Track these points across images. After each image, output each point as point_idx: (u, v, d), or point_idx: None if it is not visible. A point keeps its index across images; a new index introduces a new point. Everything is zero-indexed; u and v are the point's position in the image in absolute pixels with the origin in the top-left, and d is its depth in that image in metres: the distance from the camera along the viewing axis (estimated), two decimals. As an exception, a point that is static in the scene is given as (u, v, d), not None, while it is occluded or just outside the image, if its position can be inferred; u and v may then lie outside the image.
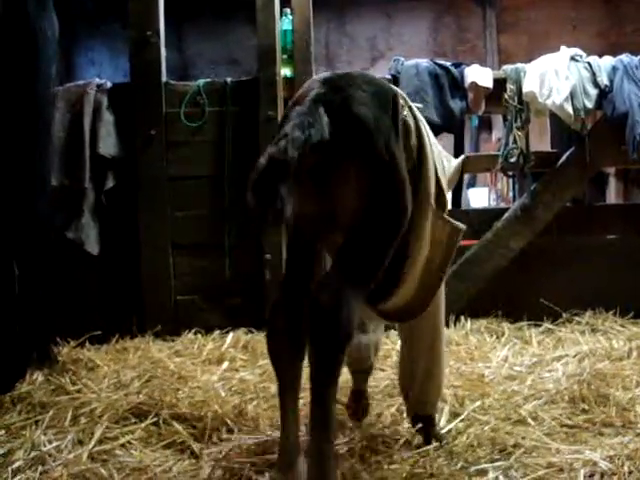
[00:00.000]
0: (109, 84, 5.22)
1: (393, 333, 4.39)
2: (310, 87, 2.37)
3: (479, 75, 5.22)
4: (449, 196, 2.90)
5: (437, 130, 5.05)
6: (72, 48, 10.30)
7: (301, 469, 2.35)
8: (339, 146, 2.21)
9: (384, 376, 3.87)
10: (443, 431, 3.00)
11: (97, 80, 5.27)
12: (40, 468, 2.71)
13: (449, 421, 3.13)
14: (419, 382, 2.88)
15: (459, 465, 2.66)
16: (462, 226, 2.70)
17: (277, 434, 2.65)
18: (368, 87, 2.39)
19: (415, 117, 2.63)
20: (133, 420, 3.19)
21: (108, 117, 5.13)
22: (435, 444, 2.84)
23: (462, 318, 5.10)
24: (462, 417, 3.15)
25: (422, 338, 2.85)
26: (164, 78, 5.21)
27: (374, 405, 3.37)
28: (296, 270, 2.42)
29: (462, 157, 3.56)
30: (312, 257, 2.44)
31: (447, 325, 4.72)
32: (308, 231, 2.39)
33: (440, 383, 2.95)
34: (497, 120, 8.50)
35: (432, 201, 2.59)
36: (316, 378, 2.14)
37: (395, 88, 2.66)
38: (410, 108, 2.63)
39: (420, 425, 2.91)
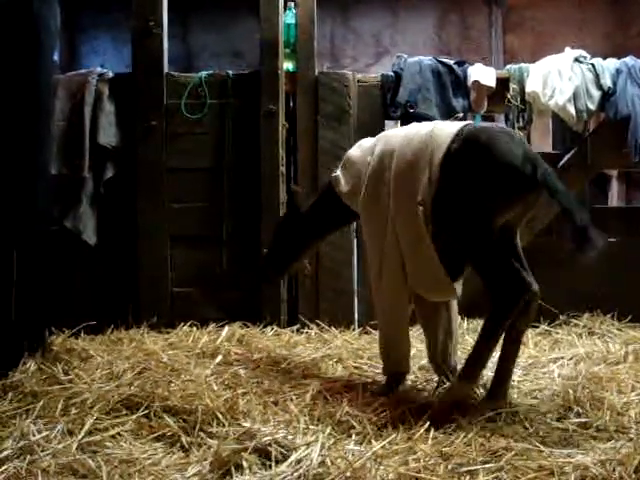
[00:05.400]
0: (111, 74, 5.20)
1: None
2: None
3: (482, 74, 5.19)
4: None
5: (439, 128, 5.02)
6: (76, 37, 10.26)
7: None
8: None
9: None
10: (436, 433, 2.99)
11: (99, 69, 5.25)
12: (28, 458, 2.70)
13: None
14: None
15: (450, 466, 2.65)
16: None
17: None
18: None
19: None
20: (124, 412, 3.19)
21: (109, 107, 5.12)
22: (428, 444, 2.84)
23: (459, 318, 5.06)
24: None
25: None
26: (166, 69, 5.19)
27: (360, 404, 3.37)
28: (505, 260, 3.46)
29: None
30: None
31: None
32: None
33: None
34: (500, 120, 8.46)
35: None
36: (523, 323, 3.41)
37: None
38: None
39: None
